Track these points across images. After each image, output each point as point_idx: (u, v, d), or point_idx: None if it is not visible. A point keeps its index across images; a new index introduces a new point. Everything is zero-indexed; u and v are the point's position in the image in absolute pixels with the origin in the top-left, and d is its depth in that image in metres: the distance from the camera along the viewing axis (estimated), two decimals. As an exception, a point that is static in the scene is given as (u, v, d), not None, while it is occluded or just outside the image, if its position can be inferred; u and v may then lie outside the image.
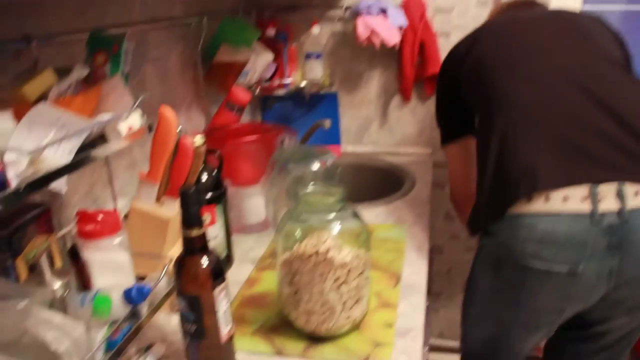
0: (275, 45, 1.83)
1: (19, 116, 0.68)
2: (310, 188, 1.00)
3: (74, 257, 0.93)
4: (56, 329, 0.71)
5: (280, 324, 1.04)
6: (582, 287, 1.09)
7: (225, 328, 0.87)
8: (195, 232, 0.83)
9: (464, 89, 1.33)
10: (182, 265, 0.84)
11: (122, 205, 1.16)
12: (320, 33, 1.97)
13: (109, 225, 0.89)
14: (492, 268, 1.19)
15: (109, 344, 0.81)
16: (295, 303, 0.97)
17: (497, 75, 1.21)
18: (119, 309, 0.84)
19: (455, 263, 2.29)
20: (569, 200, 1.06)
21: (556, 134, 1.11)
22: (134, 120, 0.84)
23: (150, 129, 0.89)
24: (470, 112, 1.33)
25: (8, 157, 0.63)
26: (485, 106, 1.23)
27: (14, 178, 0.62)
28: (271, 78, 1.82)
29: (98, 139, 0.81)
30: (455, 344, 2.41)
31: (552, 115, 1.13)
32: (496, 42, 1.27)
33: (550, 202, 1.06)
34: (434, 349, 2.40)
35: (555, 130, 1.11)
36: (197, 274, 0.83)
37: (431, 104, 2.04)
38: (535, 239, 1.08)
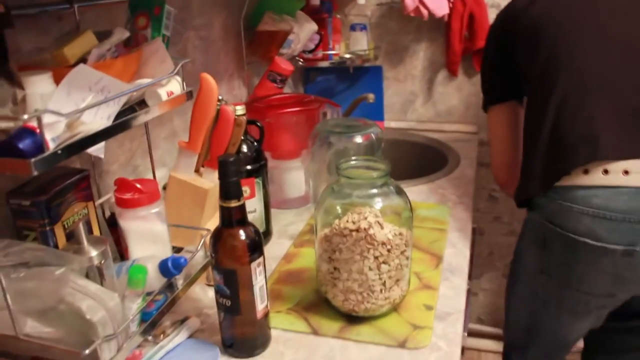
0: (319, 16, 1.78)
1: (58, 79, 0.66)
2: (352, 162, 0.96)
3: (113, 225, 0.92)
4: (91, 298, 0.70)
5: (317, 302, 1.02)
6: (638, 269, 1.03)
7: (260, 304, 0.85)
8: (233, 204, 0.80)
9: (518, 46, 1.23)
10: (219, 237, 0.82)
11: (161, 175, 1.15)
12: (366, 4, 1.91)
13: (147, 194, 0.87)
14: (539, 245, 1.13)
15: (144, 315, 0.80)
16: (334, 281, 0.94)
17: (562, 34, 1.12)
18: (155, 280, 0.82)
19: (497, 246, 2.23)
20: (631, 174, 0.98)
21: (623, 101, 1.03)
22: (174, 86, 0.81)
23: (190, 96, 0.86)
24: (521, 72, 1.24)
25: (46, 119, 0.61)
26: (544, 66, 1.14)
27: (51, 141, 0.60)
28: (314, 49, 1.77)
29: (138, 104, 0.79)
30: (493, 330, 2.36)
31: (619, 81, 1.05)
32: None
33: (609, 175, 1.00)
34: (471, 334, 2.35)
35: (622, 98, 1.04)
36: (234, 247, 0.81)
37: (479, 79, 1.97)
38: (589, 213, 1.01)
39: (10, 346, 0.71)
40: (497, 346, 2.34)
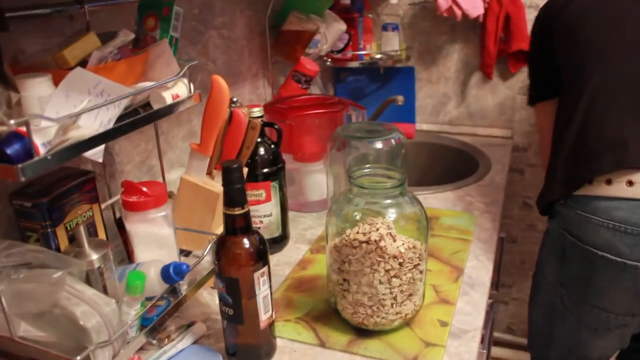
0: (349, 15, 1.75)
1: (58, 81, 0.65)
2: (365, 170, 0.92)
3: (123, 227, 0.92)
4: (86, 304, 0.69)
5: (327, 313, 0.99)
6: None
7: (264, 314, 0.83)
8: (237, 211, 0.78)
9: (556, 45, 1.18)
10: (223, 245, 0.80)
11: (176, 177, 1.14)
12: (398, 3, 1.87)
13: (154, 197, 0.86)
14: (558, 257, 1.08)
15: (144, 321, 0.79)
16: (343, 292, 0.91)
17: (598, 33, 1.07)
18: (157, 285, 0.81)
19: (529, 254, 2.15)
20: None
21: None
22: (181, 89, 0.80)
23: (199, 98, 0.84)
24: (558, 71, 1.18)
25: (42, 123, 0.60)
26: (577, 66, 1.08)
27: (42, 146, 0.59)
28: (343, 49, 1.74)
29: (142, 107, 0.77)
30: (524, 340, 2.29)
31: None
32: None
33: (634, 187, 0.94)
34: (499, 343, 2.29)
35: None
36: (236, 256, 0.79)
37: (514, 82, 1.90)
38: (609, 226, 0.96)
39: (7, 347, 0.71)
40: (526, 357, 2.27)
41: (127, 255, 0.94)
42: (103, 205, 0.89)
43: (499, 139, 1.94)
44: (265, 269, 0.81)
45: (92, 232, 0.85)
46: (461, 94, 1.98)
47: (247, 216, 0.79)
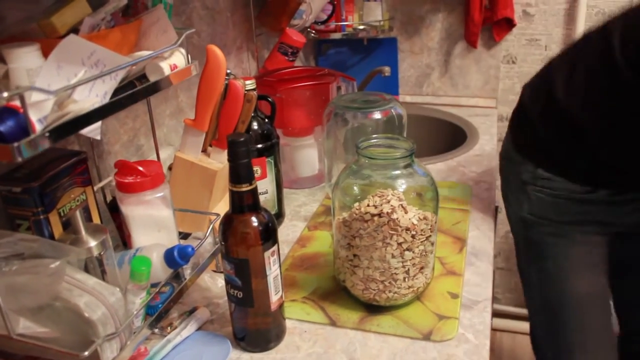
0: (332, -16, 1.69)
1: (47, 51, 0.59)
2: (373, 140, 0.88)
3: (115, 210, 0.86)
4: (90, 294, 0.63)
5: (334, 290, 0.95)
6: None
7: (275, 295, 0.79)
8: (245, 187, 0.73)
9: None
10: (229, 224, 0.75)
11: (166, 156, 1.08)
12: (380, -28, 1.81)
13: (151, 177, 0.80)
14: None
15: (149, 309, 0.74)
16: (353, 268, 0.88)
17: None
18: (160, 270, 0.76)
19: (515, 224, 2.15)
20: None
21: None
22: (178, 59, 0.74)
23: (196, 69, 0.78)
24: None
25: (33, 97, 0.54)
26: None
27: (38, 122, 0.53)
28: (327, 20, 1.68)
29: (138, 79, 0.71)
30: (509, 309, 2.31)
31: None
32: None
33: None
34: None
35: None
36: (245, 235, 0.74)
37: (498, 50, 1.88)
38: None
39: (4, 346, 0.65)
40: (514, 325, 2.29)
41: (121, 240, 0.88)
42: (95, 188, 0.83)
43: (483, 109, 1.92)
44: (275, 247, 0.77)
45: (86, 217, 0.79)
46: (445, 64, 1.94)
47: (255, 193, 0.74)
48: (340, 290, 0.94)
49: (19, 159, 0.50)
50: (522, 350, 2.24)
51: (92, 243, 0.69)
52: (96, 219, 0.80)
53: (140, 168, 0.79)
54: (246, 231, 0.75)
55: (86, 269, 0.70)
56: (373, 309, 0.90)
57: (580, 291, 1.10)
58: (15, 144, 0.50)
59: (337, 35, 1.80)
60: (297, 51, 1.45)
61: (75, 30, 0.64)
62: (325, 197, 1.29)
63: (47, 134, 0.53)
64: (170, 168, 0.97)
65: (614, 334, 1.17)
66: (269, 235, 0.76)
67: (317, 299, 0.93)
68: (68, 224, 0.72)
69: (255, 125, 1.07)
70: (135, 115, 1.03)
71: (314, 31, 1.73)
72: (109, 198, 0.92)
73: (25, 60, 0.58)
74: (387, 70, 1.63)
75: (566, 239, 1.10)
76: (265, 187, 1.10)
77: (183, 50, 0.75)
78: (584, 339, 1.12)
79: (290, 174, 1.34)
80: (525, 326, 2.25)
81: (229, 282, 0.78)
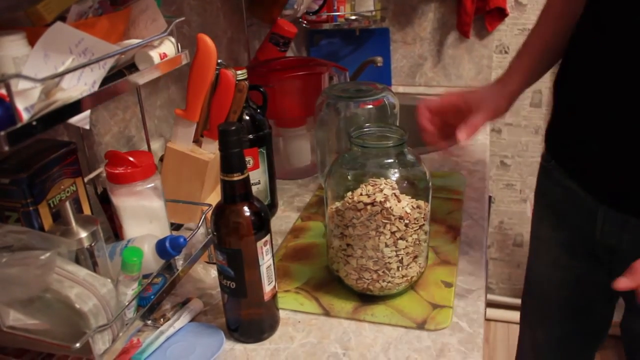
0: (323, -26, 1.68)
1: (33, 40, 0.58)
2: (365, 129, 0.88)
3: (106, 202, 0.85)
4: (81, 286, 0.63)
5: (327, 281, 0.95)
6: None
7: (268, 285, 0.78)
8: (236, 177, 0.73)
9: None
10: (221, 214, 0.75)
11: (157, 147, 1.07)
12: (372, -39, 1.80)
13: (142, 168, 0.79)
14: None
15: (141, 301, 0.74)
16: (346, 258, 0.87)
17: None
18: (152, 262, 0.75)
19: (507, 214, 2.16)
20: None
21: None
22: (168, 47, 0.73)
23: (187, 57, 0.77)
24: None
25: (20, 85, 0.53)
26: None
27: (25, 111, 0.52)
28: (318, 10, 1.67)
29: (127, 68, 0.70)
30: (503, 299, 2.32)
31: None
32: None
33: None
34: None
35: None
36: (237, 225, 0.74)
37: (490, 40, 1.88)
38: None
39: (-6, 338, 0.64)
40: (508, 315, 2.30)
41: (112, 232, 0.87)
42: (86, 179, 0.82)
43: (476, 99, 1.92)
44: (268, 237, 0.76)
45: (76, 208, 0.78)
46: (437, 54, 1.94)
47: (247, 182, 0.74)
48: (334, 281, 0.94)
49: (6, 148, 0.49)
50: (517, 340, 2.25)
51: (83, 234, 0.69)
52: (87, 210, 0.80)
53: (131, 159, 0.78)
54: (238, 221, 0.74)
55: (77, 261, 0.69)
56: (366, 298, 0.90)
57: None
58: (2, 133, 0.49)
59: (328, 26, 1.80)
60: (289, 42, 1.44)
61: (62, 18, 0.63)
62: (319, 188, 1.29)
63: (34, 123, 0.52)
64: (161, 159, 0.96)
65: None
66: (261, 224, 0.75)
67: (311, 289, 0.93)
68: (58, 216, 0.72)
69: (246, 116, 1.06)
70: (126, 106, 1.02)
71: (305, 22, 1.72)
72: (99, 189, 0.91)
73: (11, 49, 0.57)
74: (379, 60, 1.62)
75: None
76: (257, 177, 1.10)
77: (173, 39, 0.74)
78: None
79: (283, 164, 1.34)
80: (518, 316, 2.27)
81: (221, 273, 0.78)
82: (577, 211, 1.00)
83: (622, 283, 0.76)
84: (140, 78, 0.66)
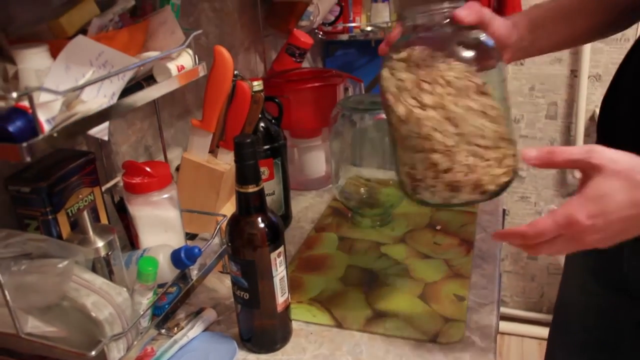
0: (340, -14, 1.69)
1: (56, 52, 0.59)
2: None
3: (123, 211, 0.86)
4: (97, 294, 0.64)
5: (340, 292, 0.95)
6: None
7: (281, 297, 0.79)
8: (251, 189, 0.73)
9: None
10: (236, 225, 0.75)
11: (174, 156, 1.08)
12: (388, -27, 1.81)
13: (158, 178, 0.80)
14: None
15: (155, 310, 0.74)
16: (450, 151, 0.68)
17: None
18: (167, 271, 0.76)
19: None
20: None
21: None
22: (186, 60, 0.74)
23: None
24: None
25: (41, 97, 0.54)
26: None
27: (46, 122, 0.53)
28: (334, 22, 1.68)
29: (145, 80, 0.71)
30: (516, 312, 2.30)
31: None
32: None
33: None
34: (495, 315, 2.29)
35: None
36: (252, 236, 0.75)
37: (507, 53, 1.87)
38: None
39: (13, 345, 0.66)
40: (521, 329, 2.28)
41: (128, 240, 0.88)
42: (103, 189, 0.83)
43: (491, 111, 1.91)
44: (281, 248, 0.77)
45: (94, 217, 0.79)
46: (453, 65, 1.94)
47: (261, 194, 0.75)
48: (347, 292, 0.94)
49: (28, 159, 0.50)
50: (530, 354, 2.23)
51: (100, 243, 0.70)
52: (104, 219, 0.81)
53: (148, 169, 0.79)
54: (253, 232, 0.75)
55: (94, 269, 0.70)
56: (379, 311, 0.90)
57: None
58: (24, 144, 0.50)
59: (344, 37, 1.80)
60: (305, 52, 1.45)
61: (83, 31, 0.64)
62: (333, 199, 1.29)
63: (55, 134, 0.53)
64: (177, 169, 0.97)
65: None
66: (275, 236, 0.76)
67: (324, 300, 0.93)
68: (76, 224, 0.73)
69: (262, 127, 1.07)
70: (143, 115, 1.03)
71: (321, 32, 1.73)
72: (116, 198, 0.92)
73: (34, 61, 0.58)
74: (394, 71, 1.63)
75: None
76: (272, 188, 1.11)
77: (190, 51, 0.75)
78: None
79: (298, 175, 1.34)
80: (533, 330, 2.25)
81: (235, 284, 0.78)
82: None
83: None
84: (158, 91, 0.67)
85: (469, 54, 0.71)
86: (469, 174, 0.69)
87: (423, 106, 0.68)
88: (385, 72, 0.73)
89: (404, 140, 0.71)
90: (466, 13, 0.73)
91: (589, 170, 0.63)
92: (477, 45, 0.73)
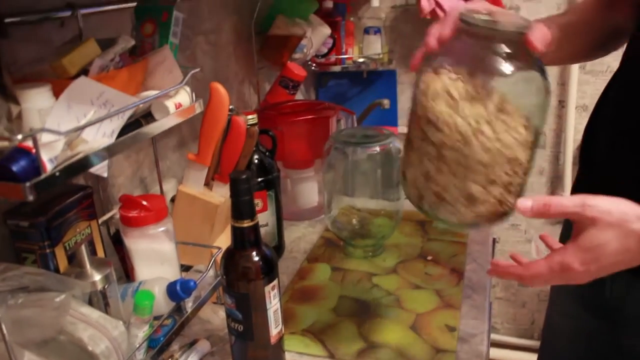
0: (332, 19, 1.73)
1: (58, 92, 0.61)
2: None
3: (119, 243, 0.87)
4: (93, 328, 0.65)
5: (333, 323, 0.96)
6: None
7: (274, 329, 0.80)
8: (246, 223, 0.75)
9: None
10: (231, 259, 0.77)
11: (169, 187, 1.10)
12: (380, 6, 1.85)
13: (154, 211, 0.82)
14: None
15: (151, 342, 0.75)
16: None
17: None
18: (162, 304, 0.77)
19: (513, 254, 2.16)
20: None
21: None
22: (183, 97, 0.76)
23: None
24: None
25: (43, 138, 0.56)
26: None
27: (49, 162, 0.55)
28: (327, 53, 1.72)
29: (144, 117, 0.74)
30: (507, 339, 2.31)
31: None
32: None
33: None
34: (486, 343, 2.29)
35: None
36: (246, 270, 0.76)
37: (497, 84, 1.91)
38: None
39: (8, 378, 0.66)
40: (512, 356, 2.28)
41: (124, 272, 0.89)
42: (99, 221, 0.84)
43: (481, 140, 1.94)
44: (275, 281, 0.78)
45: (90, 250, 0.80)
46: (443, 96, 1.97)
47: (256, 228, 0.76)
48: (339, 323, 0.95)
49: (30, 198, 0.52)
50: (521, 382, 2.23)
51: (97, 277, 0.71)
52: (100, 252, 0.82)
53: (144, 202, 0.81)
54: (247, 266, 0.76)
55: (90, 302, 0.71)
56: (371, 342, 0.91)
57: None
58: (27, 184, 0.52)
59: (337, 68, 1.84)
60: (298, 85, 1.48)
61: (85, 70, 0.67)
62: (325, 229, 1.31)
63: (57, 173, 0.55)
64: (172, 200, 0.99)
65: None
66: (269, 270, 0.77)
67: (317, 331, 0.94)
68: (73, 258, 0.74)
69: (256, 159, 1.09)
70: (139, 148, 1.05)
71: (314, 64, 1.76)
72: (112, 230, 0.94)
73: (37, 101, 0.60)
74: (386, 102, 1.66)
75: None
76: (266, 219, 1.12)
77: (188, 89, 0.77)
78: None
79: (290, 205, 1.36)
80: (523, 356, 2.25)
81: (229, 316, 0.79)
82: None
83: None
84: (156, 129, 0.69)
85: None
86: (497, 207, 0.70)
87: (495, 134, 0.64)
88: (432, 78, 0.68)
89: (444, 159, 0.67)
90: (540, 40, 0.66)
91: (584, 221, 0.66)
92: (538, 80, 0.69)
